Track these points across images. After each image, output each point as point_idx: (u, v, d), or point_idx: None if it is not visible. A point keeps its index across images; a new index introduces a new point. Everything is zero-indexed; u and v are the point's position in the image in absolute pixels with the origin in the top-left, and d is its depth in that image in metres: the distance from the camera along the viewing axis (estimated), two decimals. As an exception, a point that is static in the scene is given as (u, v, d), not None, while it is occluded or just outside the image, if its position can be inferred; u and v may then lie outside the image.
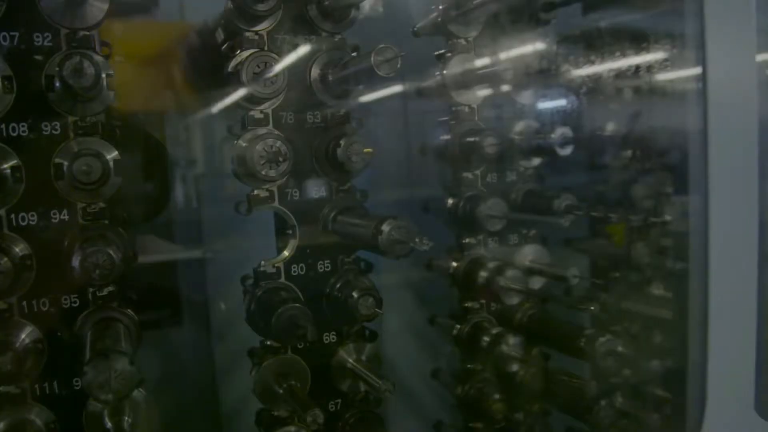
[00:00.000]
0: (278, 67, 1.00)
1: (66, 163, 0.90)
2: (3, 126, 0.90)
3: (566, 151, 1.24)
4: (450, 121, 1.27)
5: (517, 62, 1.24)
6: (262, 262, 1.09)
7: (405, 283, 1.45)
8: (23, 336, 0.93)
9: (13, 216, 0.93)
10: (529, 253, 1.33)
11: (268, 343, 1.10)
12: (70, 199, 0.95)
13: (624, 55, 1.35)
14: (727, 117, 1.06)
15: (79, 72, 0.86)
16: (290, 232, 1.10)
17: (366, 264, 1.15)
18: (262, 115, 1.05)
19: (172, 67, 1.31)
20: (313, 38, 1.08)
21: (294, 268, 1.10)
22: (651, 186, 1.43)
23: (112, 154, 0.93)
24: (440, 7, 1.21)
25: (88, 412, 0.97)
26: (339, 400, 1.16)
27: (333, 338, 1.14)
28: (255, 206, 1.07)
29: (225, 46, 1.05)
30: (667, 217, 1.42)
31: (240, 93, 1.02)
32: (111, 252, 0.87)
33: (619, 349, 1.21)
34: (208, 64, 1.20)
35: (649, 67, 1.34)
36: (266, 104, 1.04)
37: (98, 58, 0.90)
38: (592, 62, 1.36)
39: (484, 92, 1.26)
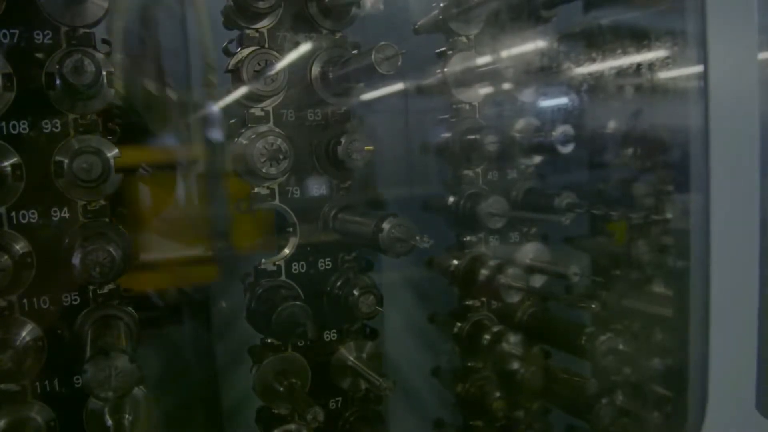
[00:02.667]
0: (279, 64, 1.00)
1: (66, 161, 0.89)
2: (3, 124, 0.90)
3: (567, 149, 1.24)
4: (450, 119, 1.27)
5: (518, 60, 1.24)
6: (263, 260, 1.09)
7: (405, 282, 1.45)
8: (23, 334, 0.93)
9: (13, 214, 0.92)
10: (529, 251, 1.33)
11: (269, 341, 1.10)
12: (71, 197, 0.95)
13: (625, 52, 1.35)
14: (728, 115, 1.06)
15: (79, 70, 0.86)
16: (291, 230, 1.10)
17: (367, 262, 1.15)
18: (262, 113, 1.05)
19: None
20: (313, 36, 1.07)
21: (295, 266, 1.10)
22: (652, 184, 1.43)
23: (112, 152, 0.93)
24: (441, 5, 1.21)
25: (89, 410, 0.97)
26: (339, 398, 1.16)
27: (334, 336, 1.14)
28: (255, 204, 1.06)
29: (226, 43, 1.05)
30: (668, 215, 1.42)
31: (240, 90, 1.02)
32: (111, 250, 0.87)
33: (620, 347, 1.21)
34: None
35: (651, 65, 1.34)
36: (267, 102, 1.04)
37: (99, 55, 0.90)
38: (593, 60, 1.36)
39: (484, 90, 1.26)
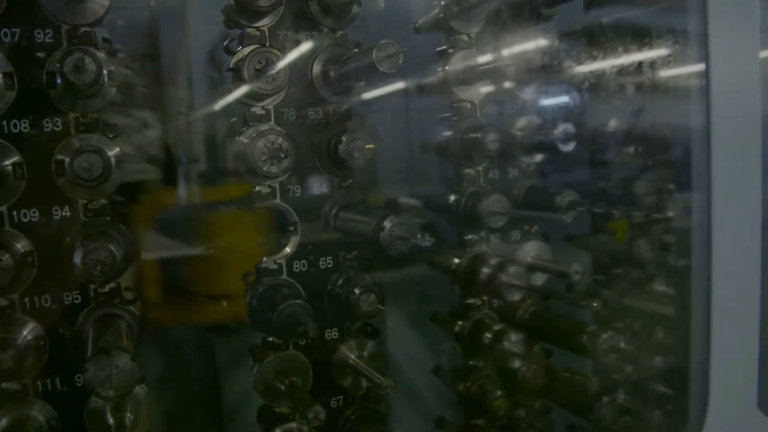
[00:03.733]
0: (280, 63, 1.00)
1: (67, 160, 0.89)
2: (4, 123, 0.90)
3: (569, 148, 1.24)
4: (451, 118, 1.27)
5: (519, 58, 1.24)
6: (264, 259, 1.09)
7: (406, 280, 1.45)
8: (25, 333, 0.93)
9: (14, 213, 0.92)
10: (531, 250, 1.33)
11: (270, 339, 1.10)
12: (72, 196, 0.95)
13: (626, 51, 1.35)
14: (730, 113, 1.06)
15: (80, 68, 0.86)
16: (292, 228, 1.10)
17: (368, 262, 1.15)
18: (263, 112, 1.05)
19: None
20: (314, 34, 1.07)
21: (296, 264, 1.10)
22: (653, 182, 1.43)
23: (113, 151, 0.93)
24: (442, 3, 1.21)
25: (90, 409, 0.97)
26: (341, 397, 1.16)
27: (335, 335, 1.14)
28: (256, 203, 1.06)
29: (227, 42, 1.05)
30: (670, 214, 1.42)
31: (241, 89, 1.02)
32: (113, 249, 0.87)
33: (622, 345, 1.21)
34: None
35: (652, 63, 1.34)
36: (268, 100, 1.04)
37: (100, 54, 0.90)
38: (595, 58, 1.36)
39: (485, 88, 1.25)
